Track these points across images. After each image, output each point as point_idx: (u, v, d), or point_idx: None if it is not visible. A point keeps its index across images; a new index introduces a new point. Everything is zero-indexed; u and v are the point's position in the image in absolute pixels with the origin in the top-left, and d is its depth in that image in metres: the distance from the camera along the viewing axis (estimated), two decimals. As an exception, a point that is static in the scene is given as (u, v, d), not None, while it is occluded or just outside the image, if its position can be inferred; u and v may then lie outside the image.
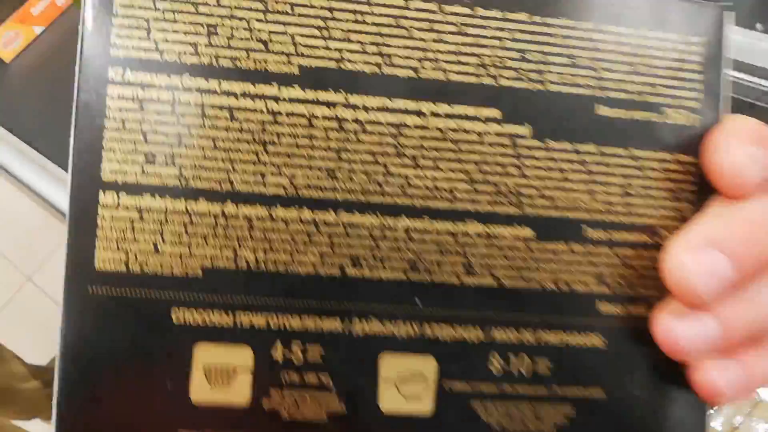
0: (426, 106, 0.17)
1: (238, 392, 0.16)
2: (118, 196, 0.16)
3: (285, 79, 0.16)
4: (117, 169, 0.16)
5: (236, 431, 0.16)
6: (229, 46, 0.16)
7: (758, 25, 0.48)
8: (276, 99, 0.16)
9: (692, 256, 0.16)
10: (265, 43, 0.16)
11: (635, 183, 0.18)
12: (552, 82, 0.17)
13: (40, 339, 1.02)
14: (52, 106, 0.61)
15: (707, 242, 0.16)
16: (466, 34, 0.17)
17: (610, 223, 0.17)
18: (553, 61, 0.17)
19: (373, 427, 0.16)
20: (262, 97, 0.16)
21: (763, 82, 0.46)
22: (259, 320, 0.16)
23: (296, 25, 0.16)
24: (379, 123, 0.17)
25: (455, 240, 0.17)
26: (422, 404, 0.17)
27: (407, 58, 0.17)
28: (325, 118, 0.16)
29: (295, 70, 0.16)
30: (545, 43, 0.17)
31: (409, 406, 0.17)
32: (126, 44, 0.16)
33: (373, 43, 0.17)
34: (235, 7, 0.16)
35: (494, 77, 0.17)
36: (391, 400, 0.17)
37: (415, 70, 0.17)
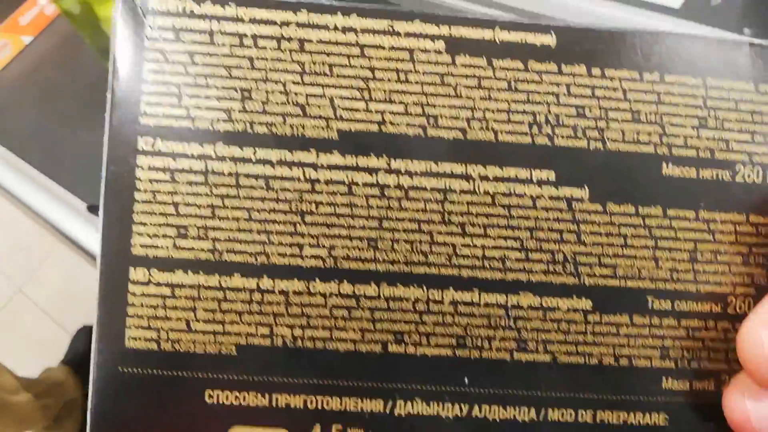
0: (474, 170, 0.16)
1: None
2: (149, 272, 0.15)
3: (323, 145, 0.15)
4: (148, 243, 0.15)
5: None
6: (265, 111, 0.15)
7: (746, 30, 0.46)
8: (314, 166, 0.15)
9: None
10: (302, 107, 0.15)
11: (704, 248, 0.16)
12: (612, 140, 0.16)
13: (31, 351, 1.02)
14: (42, 117, 0.60)
15: None
16: (518, 90, 0.16)
17: (676, 291, 0.16)
18: (614, 117, 0.16)
19: None
20: (300, 164, 0.15)
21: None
22: (296, 401, 0.15)
23: (335, 86, 0.15)
24: (424, 188, 0.16)
25: (506, 313, 0.16)
26: None
27: (454, 118, 0.16)
28: (365, 184, 0.15)
29: (334, 135, 0.15)
30: (605, 98, 0.16)
31: None
32: (156, 112, 0.15)
33: (417, 104, 0.16)
34: (271, 70, 0.15)
35: (548, 136, 0.16)
36: None
37: (462, 131, 0.16)
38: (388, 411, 0.15)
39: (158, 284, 0.15)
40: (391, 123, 0.15)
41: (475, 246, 0.16)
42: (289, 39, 0.15)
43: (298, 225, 0.15)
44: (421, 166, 0.16)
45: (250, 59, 0.15)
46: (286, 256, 0.15)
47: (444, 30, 0.16)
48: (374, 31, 0.16)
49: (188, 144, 0.15)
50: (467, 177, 0.16)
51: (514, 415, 0.16)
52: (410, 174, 0.16)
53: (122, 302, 0.15)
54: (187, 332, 0.15)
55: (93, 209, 0.51)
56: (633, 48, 0.16)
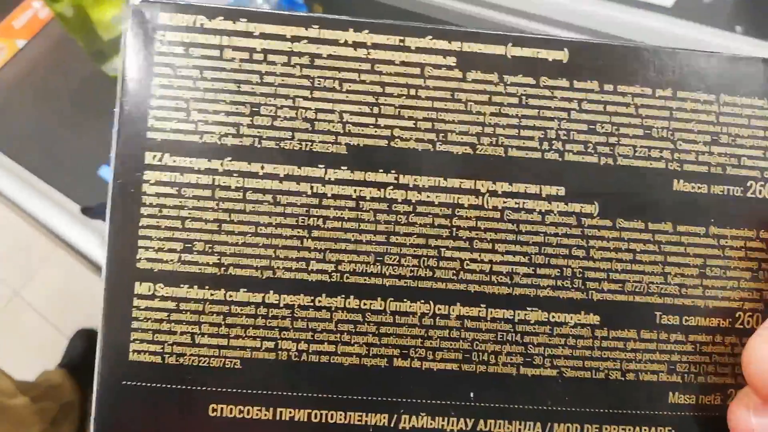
0: (483, 185, 0.16)
1: None
2: (154, 287, 0.15)
3: (332, 160, 0.15)
4: (153, 257, 0.15)
5: None
6: (273, 126, 0.15)
7: (738, 27, 0.46)
8: (322, 181, 0.15)
9: None
10: (311, 122, 0.15)
11: (713, 263, 0.16)
12: (623, 156, 0.16)
13: (28, 354, 1.01)
14: (37, 120, 0.60)
15: None
16: (529, 106, 0.16)
17: (684, 307, 0.16)
18: (625, 133, 0.16)
19: None
20: (307, 179, 0.15)
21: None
22: (300, 414, 0.15)
23: (344, 102, 0.15)
24: (432, 203, 0.15)
25: (513, 328, 0.16)
26: None
27: (463, 133, 0.16)
28: (373, 199, 0.15)
29: (343, 150, 0.15)
30: (617, 113, 0.16)
31: None
32: (164, 126, 0.15)
33: (426, 119, 0.15)
34: (280, 85, 0.15)
35: (559, 152, 0.16)
36: None
37: (471, 146, 0.16)
38: (392, 425, 0.15)
39: (163, 298, 0.15)
40: (401, 138, 0.15)
41: (482, 261, 0.16)
42: (300, 54, 0.15)
43: (304, 239, 0.15)
44: (429, 181, 0.15)
45: (260, 74, 0.15)
46: (292, 271, 0.15)
47: (455, 45, 0.16)
48: (385, 47, 0.15)
49: (196, 158, 0.15)
50: (476, 192, 0.16)
51: (520, 430, 0.16)
52: (418, 189, 0.15)
53: (127, 316, 0.15)
54: (192, 346, 0.15)
55: (86, 211, 0.51)
56: (647, 64, 0.16)
